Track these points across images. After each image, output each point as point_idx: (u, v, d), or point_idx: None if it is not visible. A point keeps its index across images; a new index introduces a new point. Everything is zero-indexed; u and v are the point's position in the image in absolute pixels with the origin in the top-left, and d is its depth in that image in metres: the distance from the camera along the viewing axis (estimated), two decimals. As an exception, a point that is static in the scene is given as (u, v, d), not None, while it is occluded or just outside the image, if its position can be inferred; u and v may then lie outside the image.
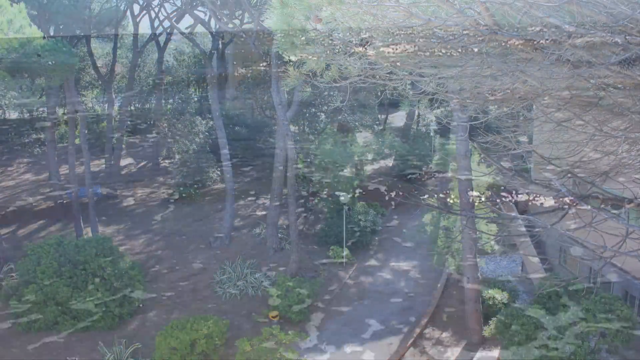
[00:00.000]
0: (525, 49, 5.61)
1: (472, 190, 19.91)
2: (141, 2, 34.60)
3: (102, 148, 38.34)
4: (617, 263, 19.46)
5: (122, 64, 44.98)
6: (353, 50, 6.62)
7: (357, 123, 35.60)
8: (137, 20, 35.06)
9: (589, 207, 7.21)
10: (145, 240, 28.79)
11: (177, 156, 34.04)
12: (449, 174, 35.68)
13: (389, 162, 38.46)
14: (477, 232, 20.70)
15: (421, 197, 30.30)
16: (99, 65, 39.03)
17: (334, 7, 6.04)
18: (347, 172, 30.50)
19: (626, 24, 4.94)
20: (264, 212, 31.19)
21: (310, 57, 7.14)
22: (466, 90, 7.99)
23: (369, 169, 36.93)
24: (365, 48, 6.44)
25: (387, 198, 31.03)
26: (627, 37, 5.01)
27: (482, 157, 20.86)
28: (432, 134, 41.16)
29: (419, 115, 44.21)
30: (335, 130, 33.50)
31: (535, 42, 5.37)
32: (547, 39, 5.32)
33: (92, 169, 31.50)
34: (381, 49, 6.34)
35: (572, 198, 7.02)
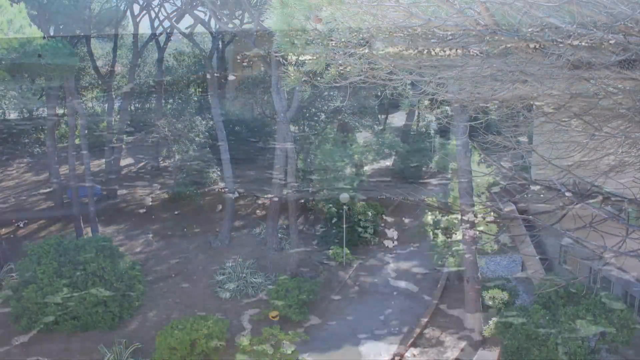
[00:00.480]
0: (525, 49, 5.61)
1: (472, 190, 19.93)
2: (141, 2, 34.54)
3: (102, 148, 38.32)
4: (617, 263, 19.46)
5: (122, 64, 44.91)
6: (353, 50, 6.61)
7: (357, 123, 35.58)
8: (137, 20, 34.98)
9: (590, 206, 7.22)
10: (145, 240, 28.78)
11: (177, 156, 34.03)
12: (449, 174, 35.65)
13: (389, 162, 38.46)
14: (477, 232, 20.70)
15: (421, 197, 30.30)
16: (99, 65, 38.98)
17: (334, 7, 6.04)
18: (347, 172, 30.47)
19: (626, 24, 4.93)
20: (263, 212, 31.17)
21: (310, 57, 7.13)
22: (466, 90, 7.99)
23: (369, 169, 36.92)
24: (365, 48, 6.44)
25: (386, 198, 31.01)
26: (627, 37, 5.01)
27: (482, 157, 20.86)
28: (432, 134, 41.12)
29: (419, 115, 44.13)
30: (335, 130, 33.47)
31: (535, 42, 5.37)
32: (547, 39, 5.32)
33: (92, 169, 31.49)
34: (381, 49, 6.34)
35: (571, 197, 7.03)
